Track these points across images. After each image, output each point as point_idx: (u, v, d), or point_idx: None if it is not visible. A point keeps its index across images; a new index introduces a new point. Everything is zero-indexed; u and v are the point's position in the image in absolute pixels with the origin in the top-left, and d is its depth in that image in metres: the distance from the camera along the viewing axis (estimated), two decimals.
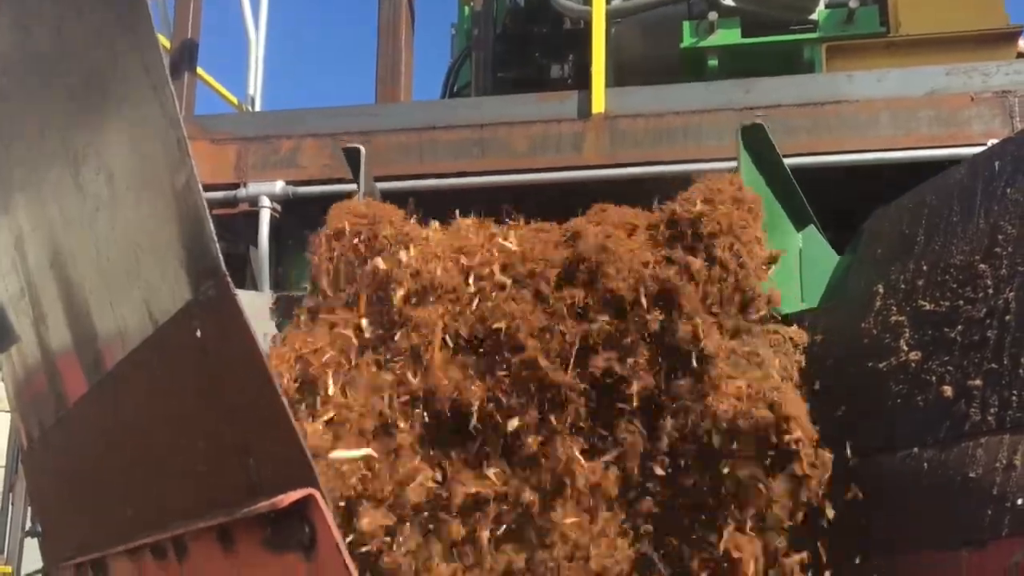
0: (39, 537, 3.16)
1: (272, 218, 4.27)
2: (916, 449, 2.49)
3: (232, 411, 1.92)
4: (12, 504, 5.81)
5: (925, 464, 2.45)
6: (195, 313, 1.94)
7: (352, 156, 3.57)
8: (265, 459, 1.87)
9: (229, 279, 1.81)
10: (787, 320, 3.08)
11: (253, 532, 1.88)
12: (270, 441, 1.84)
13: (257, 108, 6.23)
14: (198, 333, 1.92)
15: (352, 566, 1.69)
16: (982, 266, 2.49)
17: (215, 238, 1.86)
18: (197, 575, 2.11)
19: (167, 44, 5.13)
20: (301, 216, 4.30)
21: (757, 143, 3.28)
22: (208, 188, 4.27)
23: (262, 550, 1.87)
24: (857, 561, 2.58)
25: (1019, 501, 2.18)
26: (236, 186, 4.37)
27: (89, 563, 2.62)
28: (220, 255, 1.84)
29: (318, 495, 1.74)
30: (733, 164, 3.35)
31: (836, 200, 3.45)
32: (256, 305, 3.26)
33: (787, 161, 3.36)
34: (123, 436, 2.42)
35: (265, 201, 4.28)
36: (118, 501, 2.49)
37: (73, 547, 2.80)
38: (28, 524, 4.25)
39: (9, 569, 5.96)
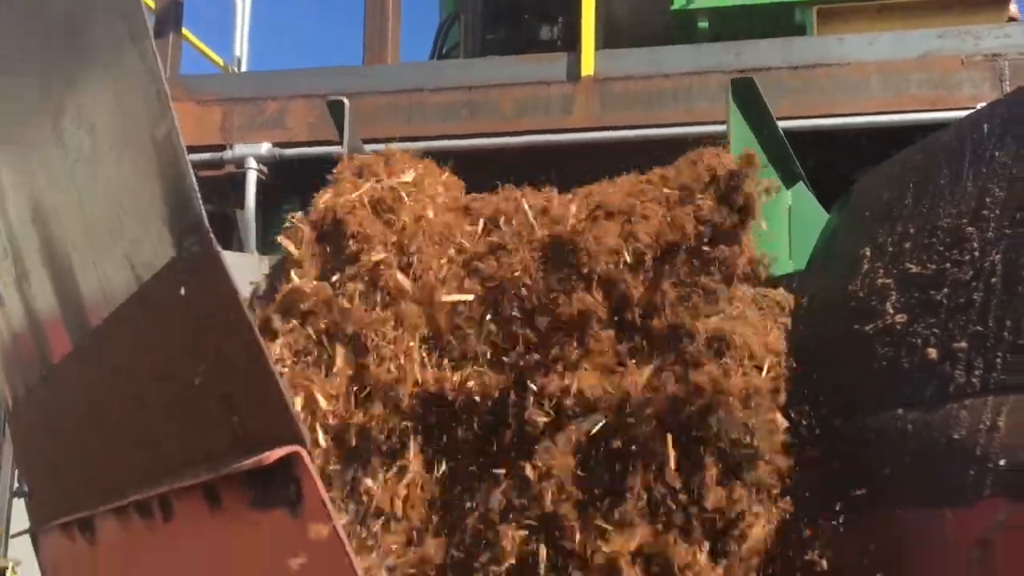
0: (26, 497, 3.17)
1: (258, 180, 4.25)
2: (901, 411, 2.50)
3: (217, 368, 1.91)
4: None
5: (909, 426, 2.46)
6: (179, 269, 1.92)
7: (336, 110, 3.54)
8: (250, 417, 1.86)
9: (212, 235, 1.80)
10: (774, 282, 3.08)
11: (239, 489, 1.88)
12: (255, 399, 1.84)
13: (243, 69, 6.16)
14: (182, 290, 1.91)
15: (338, 522, 1.69)
16: (969, 229, 2.49)
17: (198, 193, 1.84)
18: (183, 532, 2.11)
19: (151, 4, 5.06)
20: (288, 178, 4.27)
21: (747, 99, 3.26)
22: (193, 149, 4.23)
23: (248, 507, 1.87)
24: (840, 520, 2.60)
25: (1001, 462, 2.19)
26: (222, 148, 4.34)
27: (76, 522, 2.62)
28: (203, 210, 1.82)
29: (303, 452, 1.73)
30: (724, 128, 3.33)
31: (826, 163, 3.44)
32: (242, 266, 3.23)
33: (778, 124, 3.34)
34: (108, 394, 2.41)
35: (251, 163, 4.26)
36: (104, 460, 2.49)
37: (60, 507, 2.80)
38: (15, 484, 4.25)
39: None
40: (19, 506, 3.21)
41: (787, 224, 3.31)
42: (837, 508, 2.63)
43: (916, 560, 2.38)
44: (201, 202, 1.84)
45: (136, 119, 2.11)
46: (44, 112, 2.54)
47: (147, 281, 2.05)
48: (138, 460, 2.28)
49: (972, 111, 2.92)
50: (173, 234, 1.93)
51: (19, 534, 3.19)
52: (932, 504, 2.34)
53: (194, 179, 1.87)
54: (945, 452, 2.32)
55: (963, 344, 2.38)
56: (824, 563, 2.62)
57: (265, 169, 4.29)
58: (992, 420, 2.26)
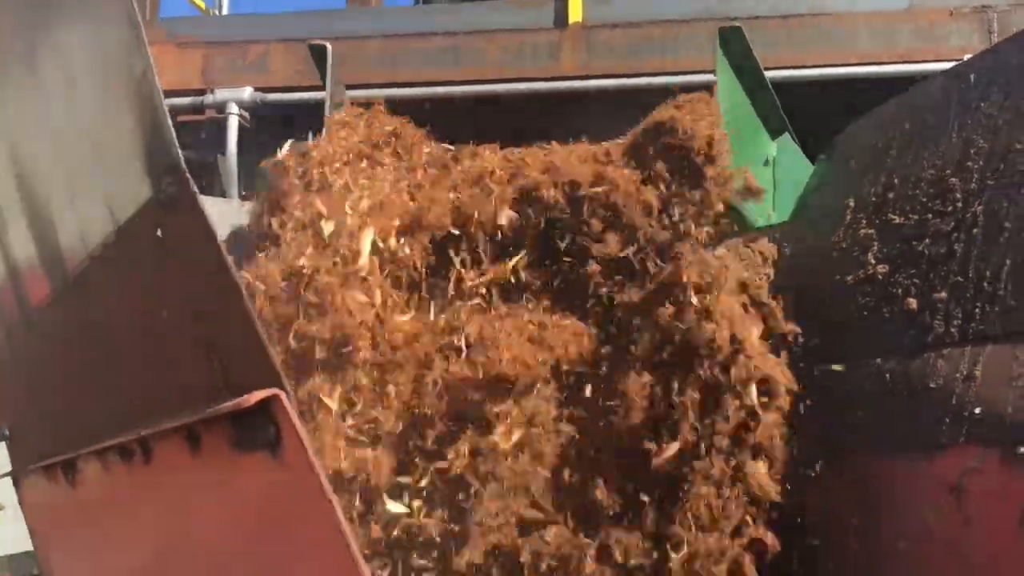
0: (7, 440, 3.17)
1: (240, 126, 4.20)
2: (879, 360, 2.52)
3: (196, 311, 1.90)
4: None
5: (887, 375, 2.49)
6: (155, 210, 1.89)
7: (318, 54, 3.49)
8: (230, 359, 1.86)
9: (189, 175, 1.77)
10: (757, 234, 3.08)
11: (219, 432, 1.88)
12: (234, 341, 1.83)
13: (225, 11, 6.05)
14: (159, 232, 1.89)
15: (318, 464, 1.70)
16: (952, 179, 2.49)
17: (174, 133, 1.81)
18: (164, 475, 2.11)
19: None
20: (270, 124, 4.22)
21: (735, 48, 3.23)
22: (174, 94, 4.18)
23: (228, 450, 1.86)
24: (818, 467, 2.64)
25: (976, 411, 2.22)
26: (203, 92, 4.27)
27: (58, 465, 2.62)
28: (179, 150, 1.80)
29: (283, 395, 1.73)
30: (711, 77, 3.30)
31: (812, 113, 3.42)
32: (224, 212, 3.20)
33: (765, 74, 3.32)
34: (88, 337, 2.40)
35: (233, 108, 4.20)
36: (85, 403, 2.48)
37: (41, 449, 2.80)
38: None
39: None
40: (0, 448, 3.22)
41: (771, 176, 3.31)
42: (815, 455, 2.66)
43: (890, 506, 2.41)
44: (178, 143, 1.81)
45: (112, 59, 2.07)
46: (19, 52, 2.48)
47: (124, 223, 2.03)
48: (119, 403, 2.27)
49: (959, 62, 2.89)
50: (150, 174, 1.90)
51: (1, 476, 3.19)
52: (907, 451, 2.37)
53: (170, 119, 1.84)
54: (922, 400, 2.35)
55: (943, 294, 2.40)
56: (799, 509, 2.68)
57: (247, 115, 4.23)
58: (969, 369, 2.28)
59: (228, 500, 1.96)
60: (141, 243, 1.99)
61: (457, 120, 3.39)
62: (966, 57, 3.33)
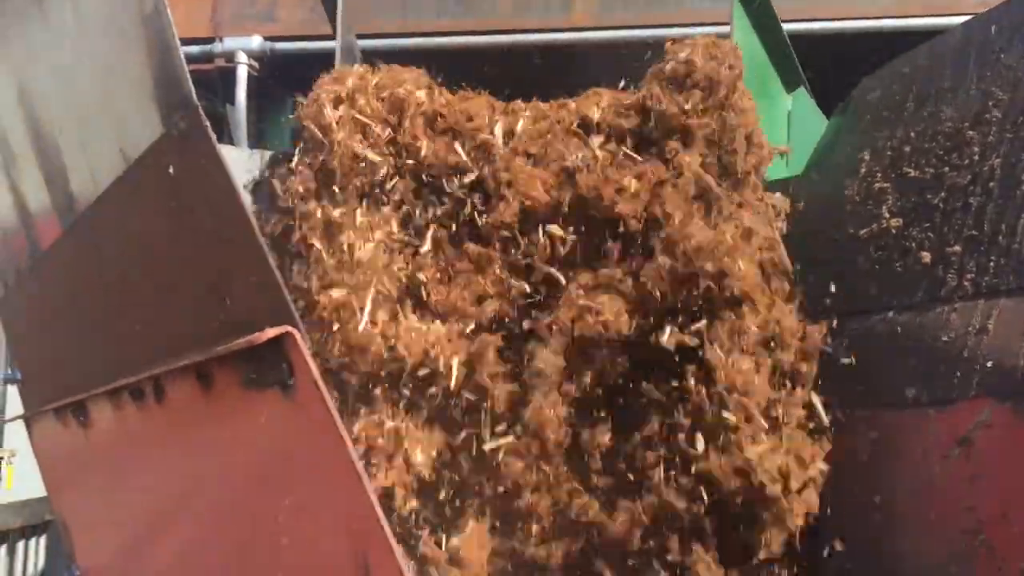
0: (19, 384, 3.18)
1: (249, 75, 4.17)
2: (891, 313, 2.51)
3: (207, 248, 1.89)
4: None
5: (899, 327, 2.48)
6: (167, 148, 1.88)
7: (329, 3, 3.45)
8: (242, 297, 1.85)
9: (201, 110, 1.75)
10: (771, 187, 3.05)
11: (232, 370, 1.88)
12: (247, 279, 1.82)
13: None
14: (170, 169, 1.87)
15: (330, 400, 1.70)
16: (970, 132, 2.46)
17: (186, 68, 1.79)
18: (176, 415, 2.12)
19: None
20: (280, 74, 4.19)
21: (753, 2, 3.19)
22: (182, 42, 4.14)
23: (241, 388, 1.87)
24: (828, 419, 2.64)
25: (988, 364, 2.21)
26: (211, 41, 4.24)
27: (69, 407, 2.63)
28: (191, 85, 1.78)
29: (296, 333, 1.73)
30: (727, 29, 3.26)
31: (830, 67, 3.38)
32: (234, 161, 3.17)
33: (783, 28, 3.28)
34: (99, 278, 2.40)
35: (242, 57, 4.16)
36: (96, 344, 2.49)
37: (53, 392, 2.81)
38: (8, 371, 4.26)
39: None
40: (12, 392, 3.23)
41: (786, 129, 3.28)
42: (826, 408, 2.66)
43: (901, 459, 2.42)
44: (190, 77, 1.79)
45: None
46: None
47: (135, 160, 2.01)
48: (130, 343, 2.28)
49: (980, 13, 2.84)
50: (161, 110, 1.89)
51: (12, 419, 3.21)
52: (918, 404, 2.37)
53: (182, 55, 1.82)
54: (933, 354, 2.34)
55: (957, 248, 2.38)
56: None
57: (256, 64, 4.20)
58: (982, 323, 2.27)
59: (240, 438, 1.96)
60: (153, 181, 1.98)
61: (466, 71, 3.35)
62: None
